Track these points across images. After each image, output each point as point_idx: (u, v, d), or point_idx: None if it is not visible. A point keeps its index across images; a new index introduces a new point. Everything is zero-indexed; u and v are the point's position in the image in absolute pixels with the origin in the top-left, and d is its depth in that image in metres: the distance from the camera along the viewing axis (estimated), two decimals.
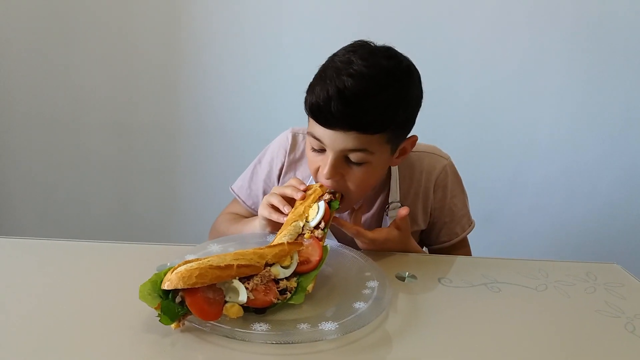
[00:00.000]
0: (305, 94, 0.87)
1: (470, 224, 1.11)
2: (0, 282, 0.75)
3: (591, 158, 1.97)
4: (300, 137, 1.10)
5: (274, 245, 0.72)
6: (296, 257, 0.72)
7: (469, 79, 1.91)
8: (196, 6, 1.86)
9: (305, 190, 0.86)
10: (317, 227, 0.80)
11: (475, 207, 1.75)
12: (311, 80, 0.88)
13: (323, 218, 0.80)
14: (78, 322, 0.65)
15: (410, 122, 0.91)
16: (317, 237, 0.78)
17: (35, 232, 2.04)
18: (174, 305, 0.62)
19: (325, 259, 0.75)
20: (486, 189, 1.98)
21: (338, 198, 0.86)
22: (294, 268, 0.70)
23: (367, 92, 0.80)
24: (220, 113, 1.96)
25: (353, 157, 0.85)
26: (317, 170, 0.89)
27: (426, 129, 1.88)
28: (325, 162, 0.85)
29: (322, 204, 0.82)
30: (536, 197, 2.01)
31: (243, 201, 1.14)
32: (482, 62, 1.90)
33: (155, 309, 0.63)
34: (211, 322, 0.62)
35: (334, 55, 0.88)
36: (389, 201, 1.02)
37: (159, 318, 0.62)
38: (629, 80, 1.89)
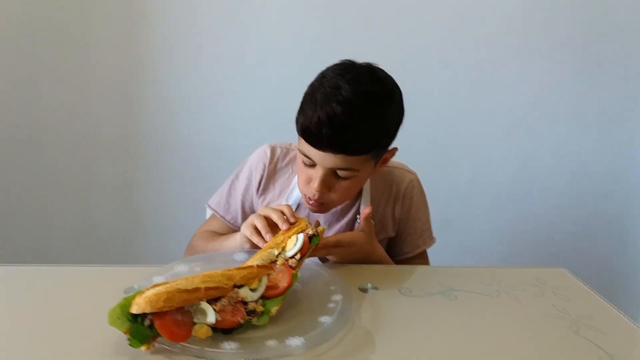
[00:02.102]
0: (296, 116, 0.95)
1: (431, 239, 1.19)
2: None
3: (541, 162, 2.05)
4: (278, 151, 1.15)
5: (243, 268, 0.73)
6: (265, 281, 0.73)
7: (426, 84, 1.95)
8: (157, 22, 1.86)
9: (291, 223, 0.88)
10: (292, 257, 0.80)
11: (435, 212, 1.81)
12: (300, 103, 0.95)
13: (300, 250, 0.81)
14: (47, 348, 0.65)
15: (393, 139, 0.99)
16: (290, 265, 0.78)
17: None
18: (143, 328, 0.64)
19: (293, 285, 0.76)
20: (444, 193, 2.05)
21: (320, 234, 0.87)
22: (262, 291, 0.72)
23: (355, 120, 0.88)
24: (181, 128, 1.96)
25: (341, 173, 0.94)
26: (307, 181, 0.97)
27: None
28: (315, 176, 0.94)
29: (301, 237, 0.82)
30: (491, 201, 2.09)
31: (222, 216, 1.16)
32: (437, 68, 1.95)
33: (125, 333, 0.64)
34: (181, 342, 0.64)
35: (323, 77, 0.95)
36: (361, 210, 1.07)
37: (129, 342, 0.63)
38: (579, 82, 1.98)
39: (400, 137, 1.78)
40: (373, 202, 1.11)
